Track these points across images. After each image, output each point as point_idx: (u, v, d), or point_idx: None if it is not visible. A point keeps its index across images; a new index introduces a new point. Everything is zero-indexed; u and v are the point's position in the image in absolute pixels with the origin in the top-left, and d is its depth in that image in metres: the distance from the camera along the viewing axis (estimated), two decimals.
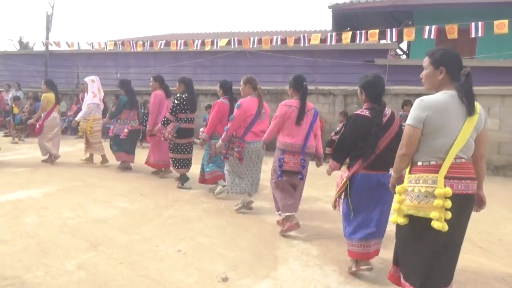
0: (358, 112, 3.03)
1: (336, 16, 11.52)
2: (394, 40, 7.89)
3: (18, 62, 14.12)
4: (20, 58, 14.35)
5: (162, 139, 5.63)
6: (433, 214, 2.08)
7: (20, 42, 21.59)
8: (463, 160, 2.18)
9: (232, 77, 10.69)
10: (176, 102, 5.47)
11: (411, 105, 2.85)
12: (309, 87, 9.59)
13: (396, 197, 2.28)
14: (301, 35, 8.53)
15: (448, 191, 2.07)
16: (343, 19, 11.84)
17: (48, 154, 7.25)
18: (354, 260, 3.10)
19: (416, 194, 2.17)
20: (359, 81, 3.12)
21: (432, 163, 2.19)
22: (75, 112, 10.53)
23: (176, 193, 5.43)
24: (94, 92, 7.09)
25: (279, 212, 3.97)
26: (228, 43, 9.50)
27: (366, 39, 8.03)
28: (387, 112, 3.05)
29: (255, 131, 4.46)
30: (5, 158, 7.53)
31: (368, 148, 2.94)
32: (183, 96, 5.51)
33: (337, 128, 8.45)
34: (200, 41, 9.76)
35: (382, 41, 9.58)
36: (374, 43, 8.53)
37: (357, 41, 8.06)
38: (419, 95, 2.68)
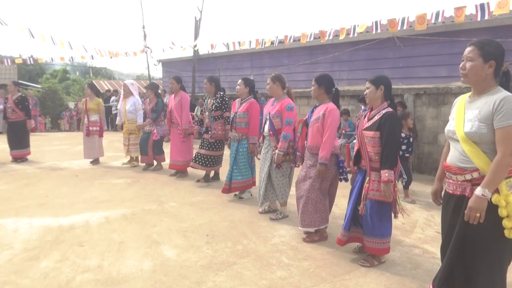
0: (389, 110, 3.02)
1: None
2: None
3: (174, 69, 14.94)
4: (176, 64, 15.17)
5: (212, 138, 5.62)
6: None
7: (195, 51, 23.21)
8: None
9: (376, 73, 8.44)
10: (227, 100, 5.65)
11: None
12: None
13: (504, 211, 1.93)
14: (477, 5, 5.64)
15: None
16: None
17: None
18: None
19: None
20: (376, 78, 3.11)
21: None
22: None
23: (252, 240, 3.81)
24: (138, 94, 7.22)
25: (325, 225, 3.76)
26: (370, 29, 7.28)
27: None
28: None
29: None
30: (116, 164, 7.38)
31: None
32: (222, 94, 5.66)
33: None
34: (333, 31, 7.82)
35: None
36: None
37: None
38: None
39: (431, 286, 2.31)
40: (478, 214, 1.97)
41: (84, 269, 3.12)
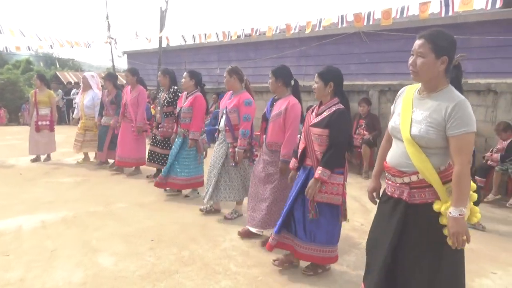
0: (340, 107, 2.81)
1: None
2: None
3: (139, 61, 14.38)
4: (142, 56, 14.58)
5: (160, 136, 5.32)
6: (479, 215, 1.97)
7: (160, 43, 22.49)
8: None
9: (342, 68, 8.31)
10: (179, 95, 5.10)
11: None
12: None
13: (445, 219, 1.83)
14: (442, 1, 5.54)
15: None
16: None
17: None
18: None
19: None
20: (325, 73, 2.86)
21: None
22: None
23: (201, 245, 3.54)
24: (99, 88, 6.75)
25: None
26: (336, 23, 7.11)
27: None
28: None
29: None
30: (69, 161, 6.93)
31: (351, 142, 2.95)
32: (176, 88, 5.31)
33: (498, 146, 5.28)
34: (299, 25, 7.61)
35: None
36: None
37: None
38: None
39: None
40: (464, 237, 1.79)
41: (4, 283, 2.76)
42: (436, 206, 1.86)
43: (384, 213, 2.09)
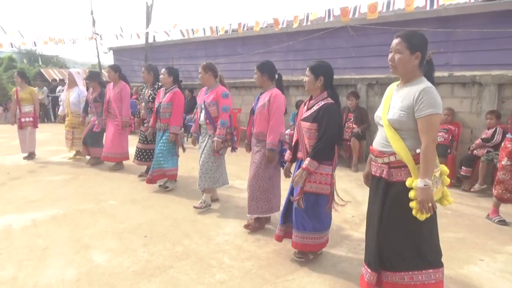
0: (329, 101, 2.86)
1: None
2: None
3: (125, 57, 14.21)
4: (128, 52, 14.40)
5: (145, 131, 5.37)
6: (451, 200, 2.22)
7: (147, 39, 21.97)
8: None
9: (330, 63, 8.32)
10: (157, 92, 5.20)
11: None
12: (442, 73, 6.55)
13: (414, 193, 2.07)
14: None
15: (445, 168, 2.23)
16: None
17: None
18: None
19: (435, 180, 2.11)
20: (316, 67, 2.91)
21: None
22: None
23: (194, 240, 3.55)
24: (84, 84, 6.73)
25: (270, 214, 3.74)
26: (322, 17, 7.13)
27: None
28: None
29: None
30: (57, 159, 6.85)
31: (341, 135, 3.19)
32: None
33: (483, 136, 5.39)
34: (286, 19, 7.60)
35: None
36: None
37: None
38: None
39: (367, 267, 2.34)
40: (430, 204, 2.03)
41: None
42: (407, 182, 2.11)
43: (372, 191, 2.37)
